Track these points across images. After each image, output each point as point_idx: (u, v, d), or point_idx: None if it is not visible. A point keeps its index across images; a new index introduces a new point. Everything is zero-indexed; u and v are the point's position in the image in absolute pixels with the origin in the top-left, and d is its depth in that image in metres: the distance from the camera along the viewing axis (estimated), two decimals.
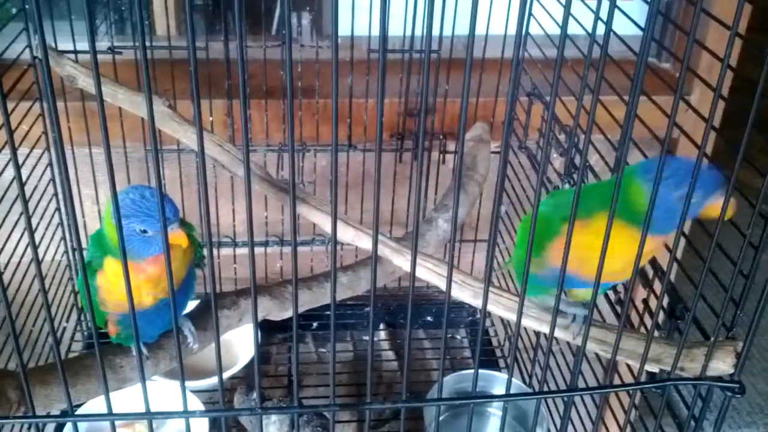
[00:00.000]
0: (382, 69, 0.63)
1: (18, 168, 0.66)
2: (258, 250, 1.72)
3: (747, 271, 0.79)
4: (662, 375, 0.88)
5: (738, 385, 0.83)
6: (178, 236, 0.87)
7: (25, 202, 0.67)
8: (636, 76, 1.05)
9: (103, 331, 1.06)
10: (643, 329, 1.05)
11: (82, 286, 0.96)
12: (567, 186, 1.29)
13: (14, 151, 0.65)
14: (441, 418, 1.47)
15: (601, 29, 0.72)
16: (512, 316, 0.97)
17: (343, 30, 1.49)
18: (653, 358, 0.86)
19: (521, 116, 1.54)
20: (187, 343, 1.04)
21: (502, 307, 0.98)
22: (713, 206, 0.80)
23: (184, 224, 1.01)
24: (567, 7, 0.68)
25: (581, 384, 1.17)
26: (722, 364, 0.83)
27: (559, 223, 0.87)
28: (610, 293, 1.11)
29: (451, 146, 1.62)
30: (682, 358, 0.84)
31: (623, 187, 0.79)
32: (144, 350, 1.01)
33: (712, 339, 0.82)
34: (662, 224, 0.80)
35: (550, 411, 1.45)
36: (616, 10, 0.69)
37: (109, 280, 0.92)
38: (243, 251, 1.72)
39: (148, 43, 1.47)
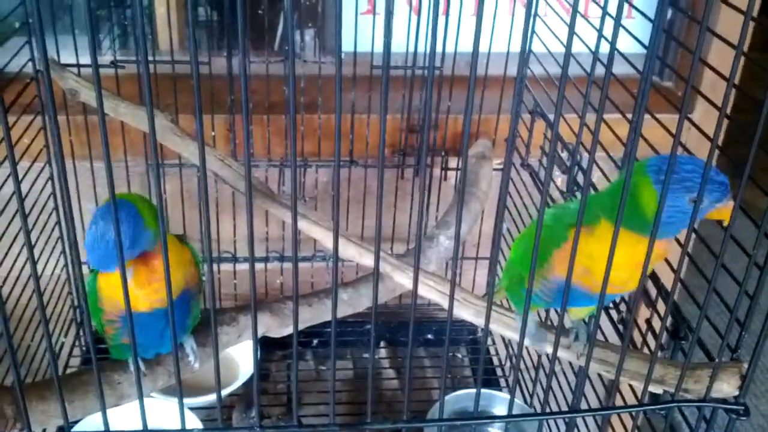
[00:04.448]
0: (385, 84, 0.62)
1: (18, 183, 0.66)
2: (258, 266, 1.72)
3: (752, 292, 0.78)
4: (665, 396, 0.87)
5: (743, 408, 0.82)
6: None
7: (25, 218, 0.66)
8: (640, 94, 1.05)
9: (102, 346, 1.06)
10: (645, 349, 1.04)
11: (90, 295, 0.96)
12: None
13: (14, 166, 0.64)
14: None
15: (603, 47, 0.71)
16: (514, 335, 0.97)
17: (346, 46, 1.49)
18: (657, 379, 0.85)
19: (523, 134, 1.53)
20: (189, 361, 1.03)
21: (504, 326, 0.97)
22: (722, 210, 0.78)
23: (184, 242, 1.00)
24: (571, 27, 0.68)
25: (583, 405, 1.16)
26: (726, 386, 0.82)
27: (565, 230, 0.84)
28: (613, 313, 1.10)
29: (453, 163, 1.61)
30: (686, 380, 0.83)
31: (633, 192, 0.77)
32: (141, 366, 1.00)
33: (717, 360, 0.82)
34: (670, 228, 0.78)
35: (551, 431, 1.44)
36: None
37: (104, 276, 0.93)
38: (243, 267, 1.71)
39: (150, 58, 1.47)
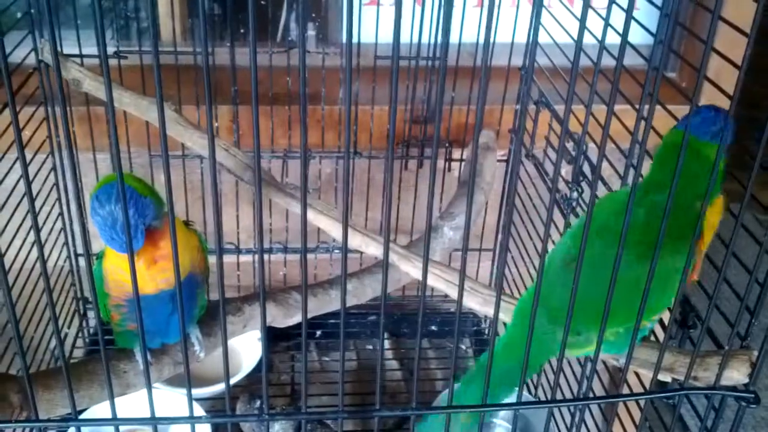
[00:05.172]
0: (395, 75, 0.62)
1: (25, 166, 0.65)
2: None
3: (762, 280, 0.78)
4: (674, 384, 0.87)
5: (753, 395, 0.82)
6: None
7: (32, 200, 0.66)
8: (653, 84, 1.04)
9: (107, 337, 1.05)
10: (652, 338, 1.04)
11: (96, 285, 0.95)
12: (575, 194, 1.28)
13: (21, 150, 0.64)
14: None
15: (610, 37, 0.71)
16: None
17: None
18: (666, 367, 0.85)
19: (528, 124, 1.53)
20: (194, 350, 1.03)
21: (510, 315, 0.97)
22: None
23: (191, 228, 1.00)
24: (582, 21, 0.67)
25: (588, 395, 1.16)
26: (736, 374, 0.82)
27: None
28: None
29: (457, 154, 1.61)
30: (695, 367, 0.83)
31: (706, 164, 0.78)
32: (147, 354, 0.99)
33: (727, 347, 0.81)
34: None
35: (556, 423, 1.43)
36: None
37: (110, 260, 0.93)
38: (246, 258, 1.71)
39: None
